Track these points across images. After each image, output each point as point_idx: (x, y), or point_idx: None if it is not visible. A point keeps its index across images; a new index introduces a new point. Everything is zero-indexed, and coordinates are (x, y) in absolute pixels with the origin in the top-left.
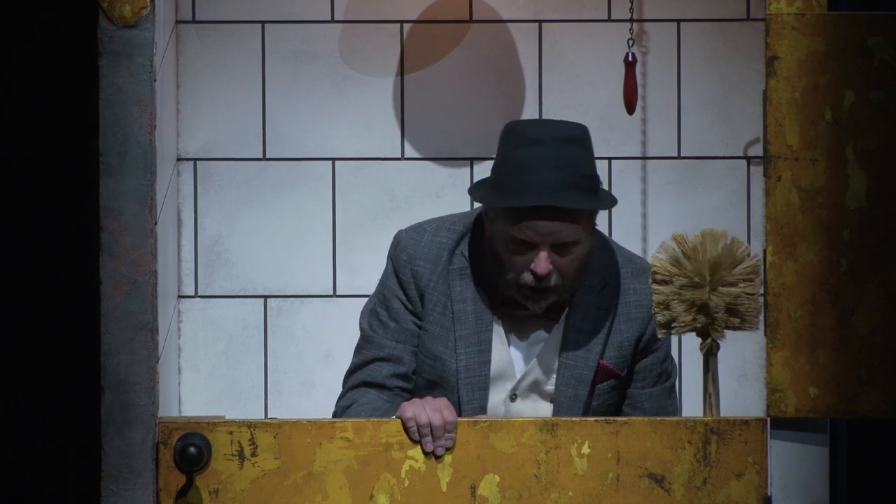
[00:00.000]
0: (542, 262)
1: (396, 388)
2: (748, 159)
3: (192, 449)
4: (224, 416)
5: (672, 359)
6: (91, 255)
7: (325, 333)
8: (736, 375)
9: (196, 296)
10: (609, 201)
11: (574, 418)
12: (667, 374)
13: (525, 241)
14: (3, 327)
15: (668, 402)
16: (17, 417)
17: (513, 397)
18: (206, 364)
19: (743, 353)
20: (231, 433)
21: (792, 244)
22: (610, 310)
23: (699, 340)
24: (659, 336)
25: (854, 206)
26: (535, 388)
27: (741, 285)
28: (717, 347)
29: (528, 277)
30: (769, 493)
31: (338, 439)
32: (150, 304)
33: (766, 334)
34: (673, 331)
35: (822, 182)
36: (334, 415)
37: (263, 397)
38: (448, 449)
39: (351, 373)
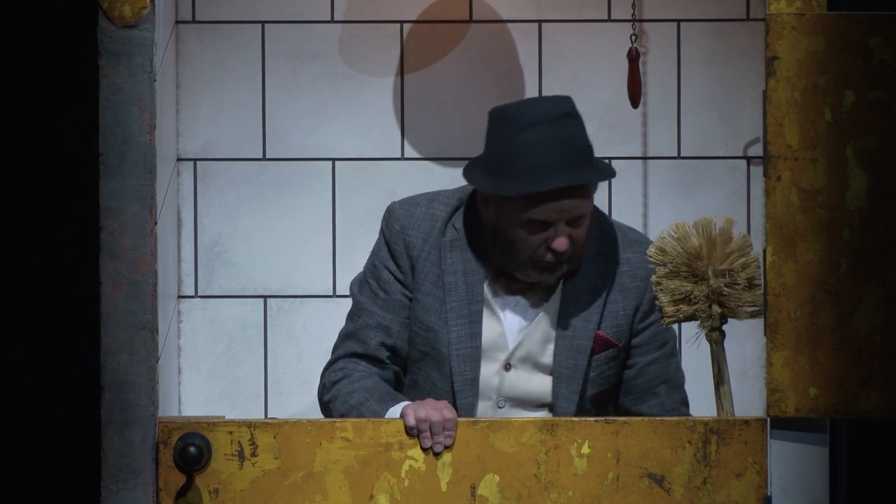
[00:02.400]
0: (562, 239)
1: (387, 359)
2: (748, 159)
3: (192, 449)
4: (224, 416)
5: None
6: (91, 255)
7: (325, 333)
8: (736, 375)
9: (196, 296)
10: (610, 169)
11: (574, 418)
12: (665, 339)
13: (542, 221)
14: (3, 327)
15: (672, 360)
16: (17, 417)
17: (507, 367)
18: (206, 364)
19: (743, 352)
20: (231, 433)
21: (792, 244)
22: (606, 279)
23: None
24: (663, 325)
25: (854, 206)
26: (530, 359)
27: (727, 276)
28: (720, 337)
29: (545, 254)
30: (769, 493)
31: (338, 439)
32: (150, 304)
33: (766, 334)
34: (662, 322)
35: (822, 182)
36: (322, 386)
37: (263, 397)
38: (447, 447)
39: (342, 339)
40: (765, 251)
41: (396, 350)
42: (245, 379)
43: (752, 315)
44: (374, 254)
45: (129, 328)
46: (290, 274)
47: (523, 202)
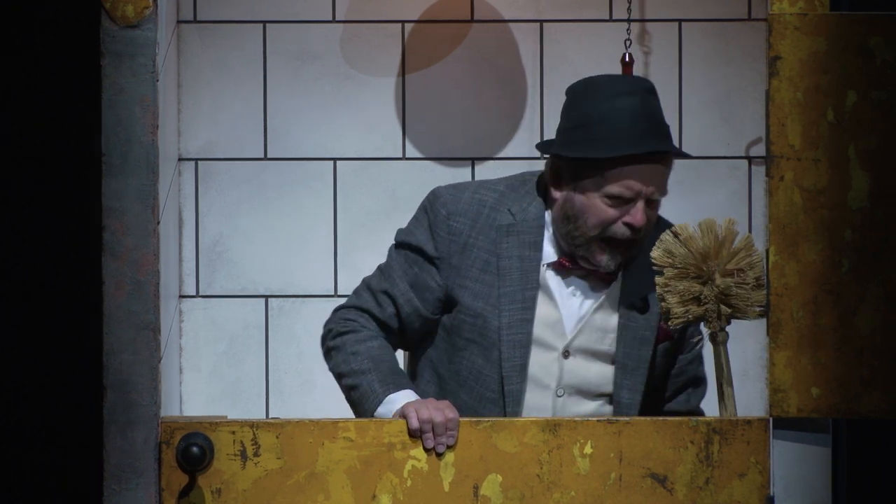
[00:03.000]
0: (640, 213)
1: (396, 331)
2: (750, 159)
3: (194, 449)
4: (227, 416)
5: None
6: (93, 255)
7: None
8: (738, 375)
9: (197, 296)
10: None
11: (576, 418)
12: (699, 337)
13: (624, 195)
14: (4, 327)
15: (701, 359)
16: (18, 417)
17: (566, 354)
18: (208, 364)
19: (745, 352)
20: (233, 433)
21: (794, 244)
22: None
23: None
24: (669, 326)
25: (856, 206)
26: (589, 347)
27: (735, 276)
28: (725, 337)
29: (621, 230)
30: (771, 493)
31: (340, 439)
32: (153, 303)
33: (768, 334)
34: (670, 323)
35: (824, 182)
36: (328, 331)
37: (265, 397)
38: (449, 447)
39: (365, 289)
40: (767, 251)
41: (403, 328)
42: (246, 379)
43: (761, 315)
44: (410, 231)
45: (131, 328)
46: (291, 274)
47: (609, 170)
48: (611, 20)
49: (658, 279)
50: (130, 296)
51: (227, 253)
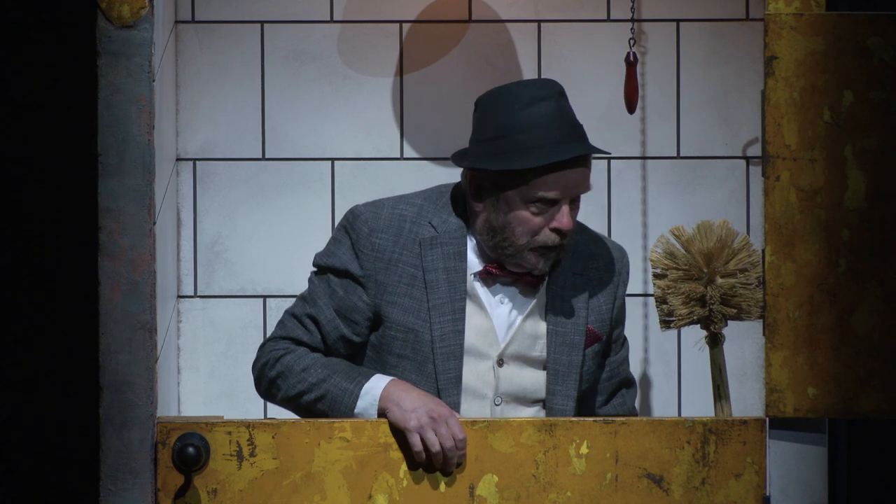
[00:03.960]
0: (566, 216)
1: (325, 353)
2: (747, 159)
3: (190, 449)
4: (223, 417)
5: None
6: (90, 255)
7: None
8: (735, 375)
9: (195, 296)
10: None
11: (573, 418)
12: (625, 338)
13: (550, 198)
14: (2, 327)
15: (627, 360)
16: (16, 417)
17: (500, 362)
18: (206, 364)
19: (742, 352)
20: (229, 433)
21: (791, 244)
22: (584, 274)
23: (701, 333)
24: (661, 330)
25: (853, 206)
26: (522, 355)
27: (738, 276)
28: (723, 338)
29: (549, 236)
30: (768, 494)
31: (336, 439)
32: (149, 304)
33: (764, 334)
34: (672, 324)
35: (820, 182)
36: (264, 363)
37: None
38: (458, 465)
39: (289, 318)
40: (763, 251)
41: (329, 354)
42: (244, 379)
43: (762, 315)
44: (332, 253)
45: (127, 328)
46: (289, 274)
47: (533, 178)
48: (608, 20)
49: (658, 281)
50: (127, 296)
51: (226, 253)
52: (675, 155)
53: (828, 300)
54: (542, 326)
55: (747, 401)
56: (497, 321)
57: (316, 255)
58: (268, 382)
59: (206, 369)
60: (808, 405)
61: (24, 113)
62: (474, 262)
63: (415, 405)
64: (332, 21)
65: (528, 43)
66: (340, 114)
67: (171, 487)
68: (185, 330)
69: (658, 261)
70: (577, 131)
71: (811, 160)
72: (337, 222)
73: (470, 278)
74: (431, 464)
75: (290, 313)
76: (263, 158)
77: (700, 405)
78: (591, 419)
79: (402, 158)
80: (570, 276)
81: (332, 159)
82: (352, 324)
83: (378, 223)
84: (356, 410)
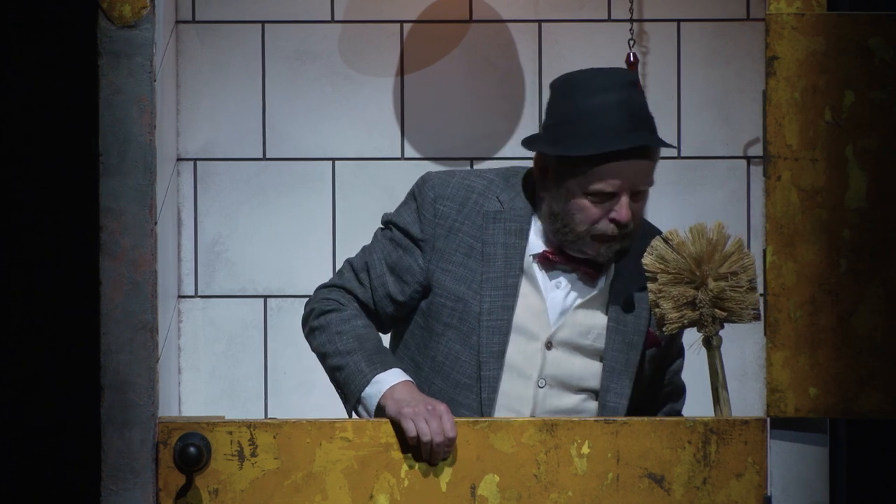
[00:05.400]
0: (625, 209)
1: (371, 314)
2: (748, 159)
3: (191, 449)
4: (224, 417)
5: None
6: (91, 255)
7: None
8: (736, 375)
9: (196, 296)
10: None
11: (574, 418)
12: (682, 348)
13: (607, 191)
14: (3, 327)
15: (681, 374)
16: (17, 417)
17: (548, 345)
18: (206, 364)
19: (743, 352)
20: (231, 433)
21: (792, 244)
22: None
23: (699, 336)
24: (656, 333)
25: (854, 206)
26: (573, 342)
27: (730, 279)
28: (718, 342)
29: (608, 226)
30: (769, 493)
31: (337, 439)
32: (150, 304)
33: (765, 334)
34: (665, 329)
35: (821, 182)
36: (311, 310)
37: (263, 397)
38: (444, 458)
39: (349, 268)
40: (765, 251)
41: (377, 310)
42: (245, 379)
43: (755, 318)
44: (399, 213)
45: (128, 328)
46: (290, 274)
47: (591, 167)
48: (609, 20)
49: (651, 285)
50: (128, 296)
51: (226, 253)
52: (676, 155)
53: (829, 300)
54: (597, 318)
55: (748, 401)
56: (550, 304)
57: (385, 213)
58: (309, 329)
59: (206, 369)
60: (809, 405)
61: (25, 113)
62: (535, 244)
63: (414, 399)
64: (332, 21)
65: (528, 43)
66: (341, 114)
67: (172, 487)
68: (186, 330)
69: (650, 265)
70: (644, 123)
71: (812, 160)
72: (339, 222)
73: (528, 259)
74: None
75: (349, 262)
76: (264, 158)
77: (701, 405)
78: (591, 419)
79: (403, 158)
80: (637, 275)
81: (333, 159)
82: (402, 283)
83: (445, 190)
84: (363, 394)
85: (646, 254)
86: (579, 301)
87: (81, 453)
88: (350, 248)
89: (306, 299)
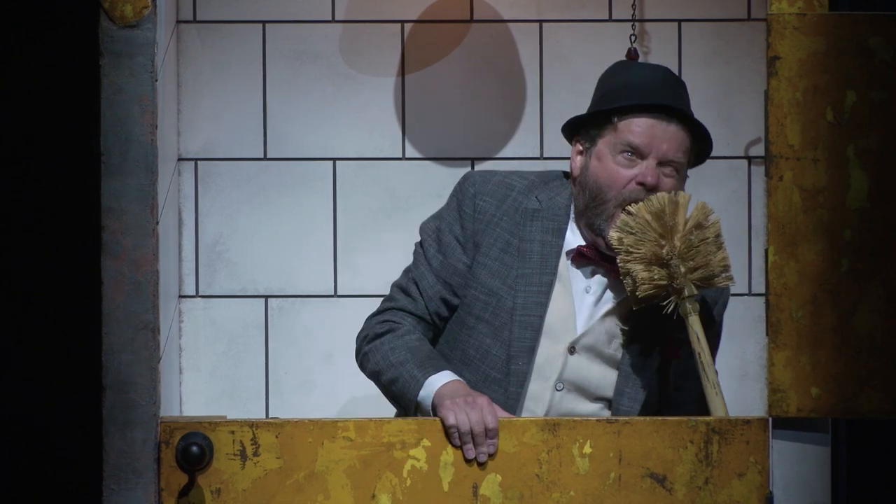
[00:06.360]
0: (652, 171)
1: (430, 320)
2: (749, 159)
3: (193, 448)
4: (226, 416)
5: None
6: (92, 255)
7: (325, 333)
8: (737, 375)
9: (197, 296)
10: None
11: (576, 418)
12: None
13: (636, 143)
14: (4, 327)
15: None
16: (17, 417)
17: (571, 350)
18: (207, 364)
19: (744, 352)
20: (233, 433)
21: (793, 244)
22: None
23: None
24: (634, 308)
25: (855, 205)
26: (595, 348)
27: (695, 232)
28: (696, 306)
29: (634, 189)
30: (771, 493)
31: (340, 439)
32: (152, 303)
33: (767, 334)
34: (639, 293)
35: (823, 182)
36: (364, 337)
37: (264, 397)
38: (490, 455)
39: (395, 290)
40: (766, 251)
41: (433, 320)
42: (246, 379)
43: (727, 278)
44: (440, 217)
45: (130, 328)
46: (290, 274)
47: (622, 119)
48: (610, 20)
49: (620, 256)
50: (129, 296)
51: (227, 253)
52: None
53: (830, 300)
54: (622, 328)
55: (748, 400)
56: (579, 308)
57: (423, 222)
58: (362, 356)
59: (207, 369)
60: (811, 405)
61: (26, 113)
62: (571, 241)
63: (457, 392)
64: (333, 21)
65: (529, 43)
66: (342, 114)
67: (174, 487)
68: (187, 330)
69: (616, 238)
70: (680, 100)
71: (814, 160)
72: (339, 222)
73: (563, 257)
74: (461, 445)
75: (394, 284)
76: (265, 158)
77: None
78: (594, 419)
79: (403, 158)
80: None
81: (334, 159)
82: (451, 286)
83: (485, 187)
84: (419, 398)
85: (609, 234)
86: (607, 307)
87: (83, 453)
88: (351, 248)
89: (307, 299)
